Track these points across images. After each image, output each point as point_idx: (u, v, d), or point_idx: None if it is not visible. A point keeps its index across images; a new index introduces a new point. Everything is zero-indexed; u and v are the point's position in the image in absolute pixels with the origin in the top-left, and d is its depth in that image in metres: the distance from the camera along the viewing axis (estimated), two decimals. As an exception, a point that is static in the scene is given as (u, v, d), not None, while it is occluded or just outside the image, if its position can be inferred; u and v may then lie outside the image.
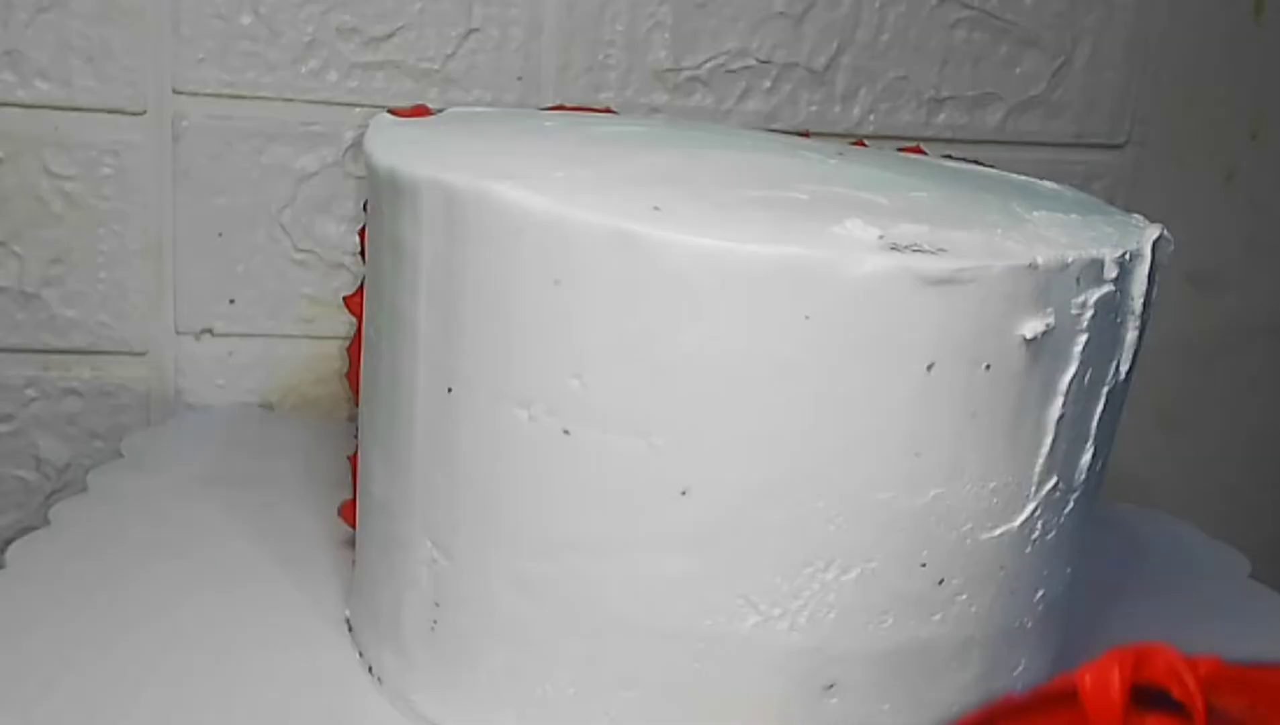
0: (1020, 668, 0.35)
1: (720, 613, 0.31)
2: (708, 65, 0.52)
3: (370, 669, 0.36)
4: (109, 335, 0.50)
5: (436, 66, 0.50)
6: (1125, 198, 0.56)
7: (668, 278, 0.29)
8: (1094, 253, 0.30)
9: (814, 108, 0.53)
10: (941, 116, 0.54)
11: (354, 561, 0.38)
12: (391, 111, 0.47)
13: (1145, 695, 0.28)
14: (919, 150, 0.48)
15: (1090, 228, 0.33)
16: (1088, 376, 0.31)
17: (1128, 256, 0.31)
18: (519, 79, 0.51)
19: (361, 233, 0.49)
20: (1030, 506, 0.32)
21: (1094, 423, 0.33)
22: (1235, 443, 0.63)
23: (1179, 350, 0.60)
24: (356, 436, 0.37)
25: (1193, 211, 0.57)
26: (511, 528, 0.31)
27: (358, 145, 0.49)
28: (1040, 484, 0.32)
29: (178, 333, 0.51)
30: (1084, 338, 0.31)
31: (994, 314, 0.29)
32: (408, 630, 0.34)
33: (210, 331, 0.51)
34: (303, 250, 0.51)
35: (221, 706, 0.34)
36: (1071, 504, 0.33)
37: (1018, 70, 0.55)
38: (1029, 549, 0.33)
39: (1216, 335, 0.61)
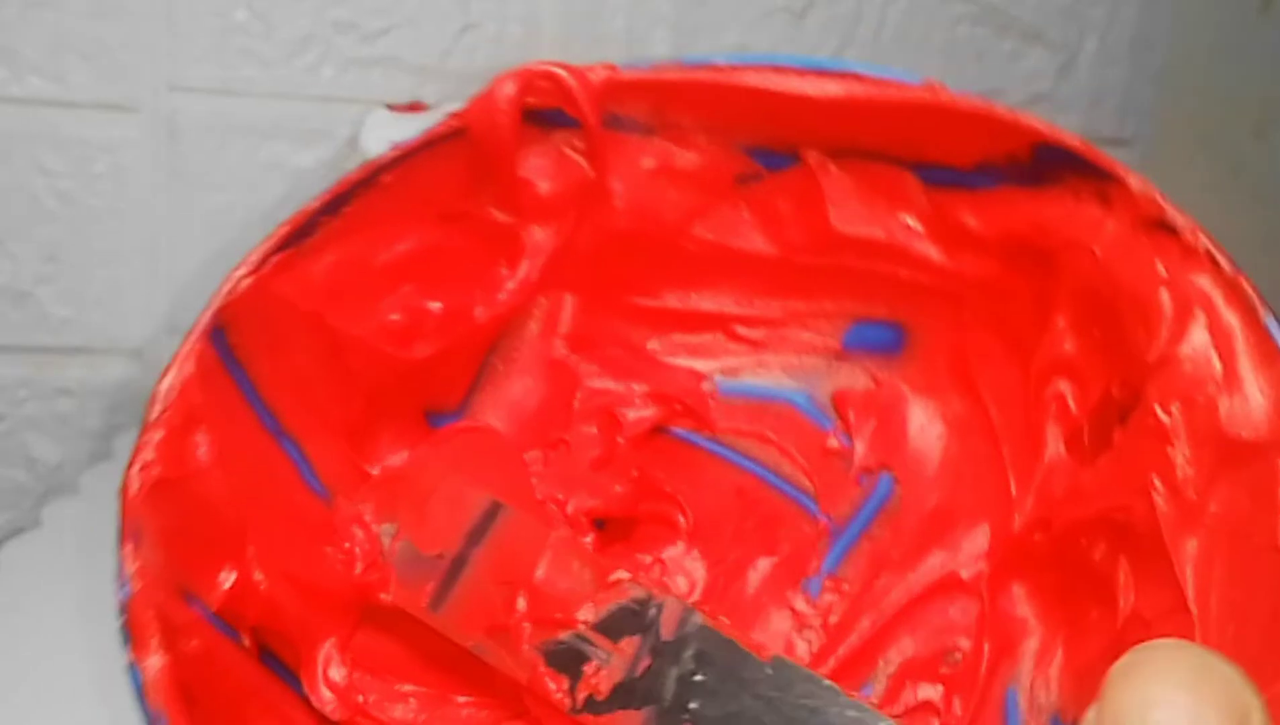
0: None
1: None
2: (708, 61, 0.51)
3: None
4: (103, 334, 0.50)
5: (433, 62, 0.49)
6: (1131, 195, 0.55)
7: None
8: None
9: (816, 104, 0.53)
10: (945, 113, 0.54)
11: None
12: (388, 107, 0.47)
13: (552, 117, 0.27)
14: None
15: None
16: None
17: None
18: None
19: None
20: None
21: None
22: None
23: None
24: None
25: (1199, 207, 0.57)
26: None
27: (354, 141, 0.49)
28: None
29: (172, 332, 0.50)
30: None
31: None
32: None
33: (205, 330, 0.51)
34: (299, 248, 0.50)
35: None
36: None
37: (1022, 66, 0.54)
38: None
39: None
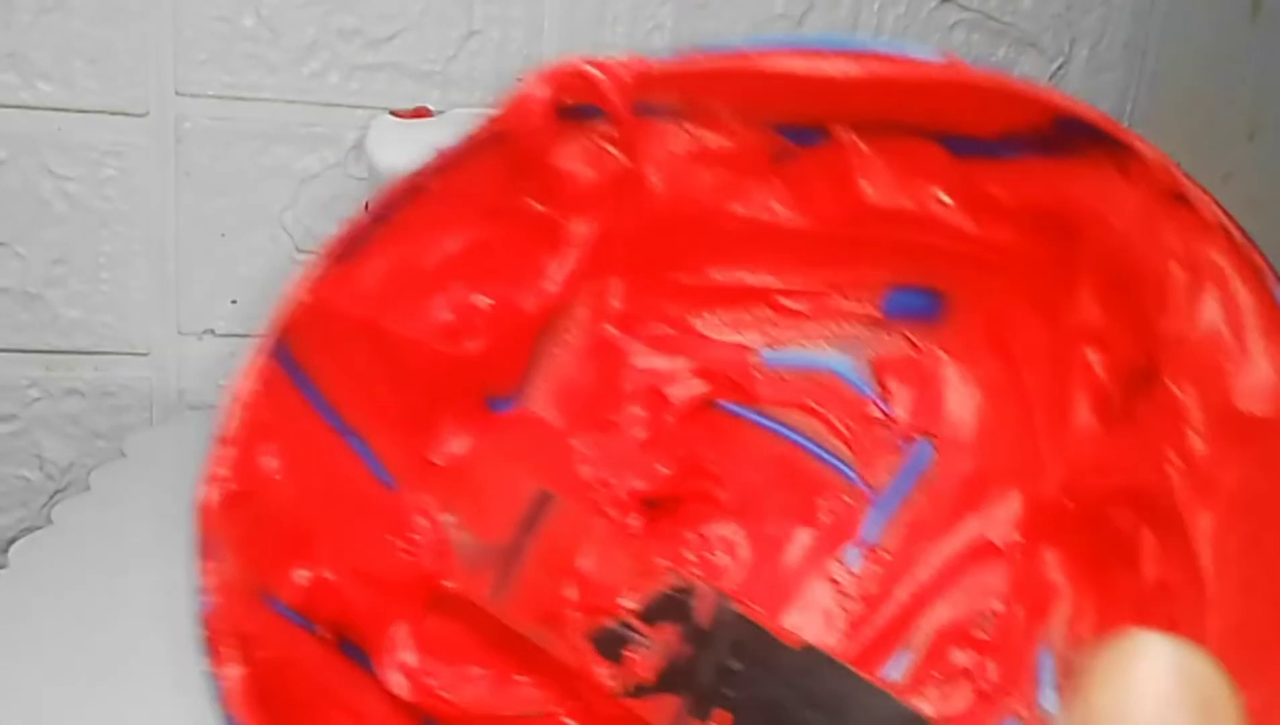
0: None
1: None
2: (708, 66, 0.52)
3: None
4: (112, 335, 0.50)
5: (438, 68, 0.50)
6: (1124, 198, 0.56)
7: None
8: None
9: (814, 109, 0.53)
10: (941, 117, 0.54)
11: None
12: (393, 113, 0.48)
13: (585, 111, 0.28)
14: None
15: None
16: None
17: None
18: (519, 81, 0.51)
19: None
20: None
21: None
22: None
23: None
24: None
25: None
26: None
27: (359, 146, 0.50)
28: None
29: (180, 333, 0.51)
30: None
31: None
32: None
33: (212, 332, 0.51)
34: (305, 251, 0.51)
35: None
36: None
37: (1016, 72, 0.55)
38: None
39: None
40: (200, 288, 0.50)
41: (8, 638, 0.36)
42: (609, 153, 0.28)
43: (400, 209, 0.27)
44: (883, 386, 0.31)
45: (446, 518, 0.27)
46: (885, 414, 0.31)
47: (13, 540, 0.42)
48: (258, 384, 0.25)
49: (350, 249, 0.26)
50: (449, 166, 0.27)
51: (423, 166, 0.27)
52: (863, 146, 0.28)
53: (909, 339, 0.30)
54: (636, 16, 0.51)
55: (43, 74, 0.47)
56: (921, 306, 0.30)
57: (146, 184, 0.49)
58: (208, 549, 0.24)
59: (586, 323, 0.30)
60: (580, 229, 0.28)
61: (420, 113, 0.48)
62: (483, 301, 0.28)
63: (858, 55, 0.26)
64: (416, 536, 0.27)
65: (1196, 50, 0.56)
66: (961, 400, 0.30)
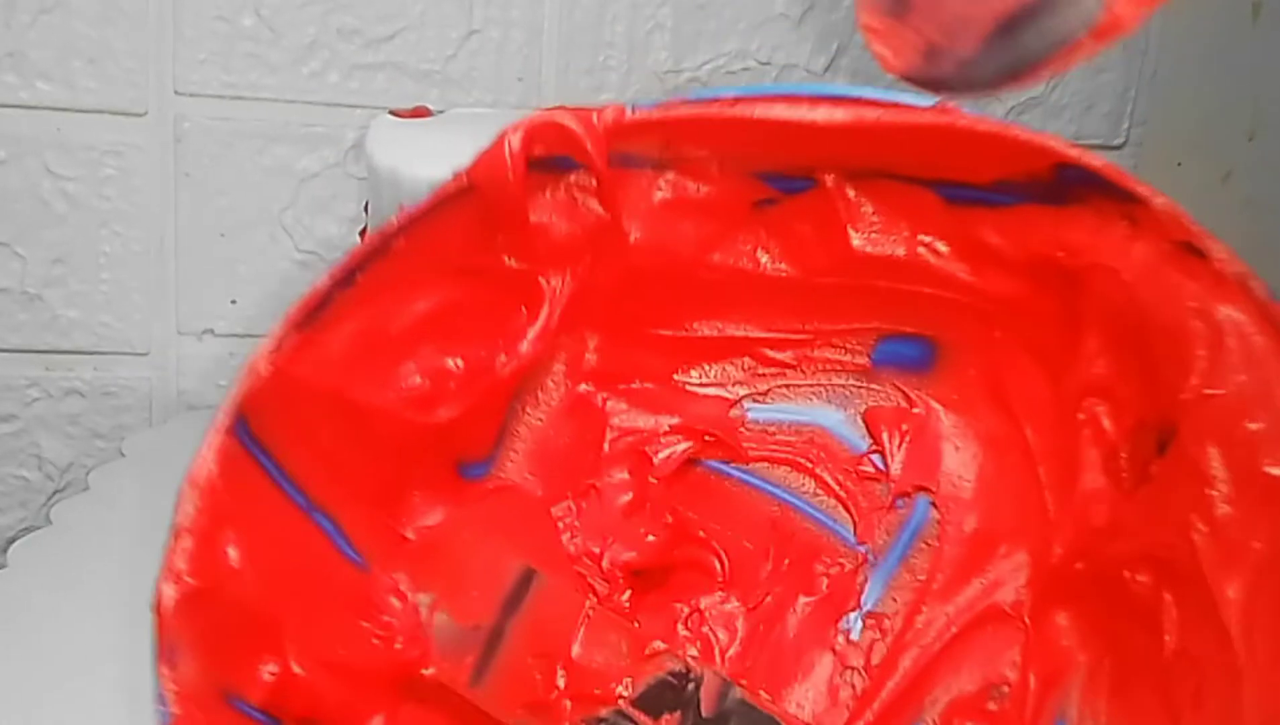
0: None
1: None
2: (707, 66, 0.52)
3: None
4: (111, 336, 0.50)
5: (437, 68, 0.50)
6: (1124, 198, 0.56)
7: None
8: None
9: (813, 109, 0.53)
10: (940, 118, 0.54)
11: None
12: (392, 112, 0.48)
13: (561, 162, 0.26)
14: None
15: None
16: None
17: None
18: (519, 80, 0.51)
19: (363, 233, 0.49)
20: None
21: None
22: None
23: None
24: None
25: (1191, 211, 0.57)
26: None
27: (359, 146, 0.50)
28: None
29: (179, 333, 0.51)
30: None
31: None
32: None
33: (212, 332, 0.51)
34: (304, 251, 0.51)
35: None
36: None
37: (1016, 72, 0.55)
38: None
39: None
40: (200, 288, 0.50)
41: (7, 637, 0.36)
42: (585, 205, 0.27)
43: (365, 271, 0.25)
44: (875, 439, 0.29)
45: (422, 598, 0.26)
46: (879, 469, 0.29)
47: (12, 540, 0.42)
48: (216, 466, 0.23)
49: (312, 315, 0.25)
50: (416, 223, 0.25)
51: (389, 226, 0.25)
52: (851, 193, 0.27)
53: (901, 390, 0.29)
54: (636, 16, 0.51)
55: (42, 74, 0.47)
56: (913, 356, 0.29)
57: (146, 184, 0.49)
58: (166, 653, 0.22)
59: (563, 382, 0.29)
60: (555, 284, 0.27)
61: (420, 112, 0.48)
62: (454, 364, 0.27)
63: (844, 101, 0.25)
64: (390, 620, 0.26)
65: (1197, 51, 0.56)
66: (959, 455, 0.29)
